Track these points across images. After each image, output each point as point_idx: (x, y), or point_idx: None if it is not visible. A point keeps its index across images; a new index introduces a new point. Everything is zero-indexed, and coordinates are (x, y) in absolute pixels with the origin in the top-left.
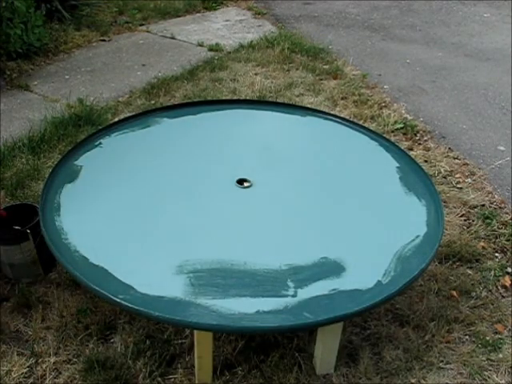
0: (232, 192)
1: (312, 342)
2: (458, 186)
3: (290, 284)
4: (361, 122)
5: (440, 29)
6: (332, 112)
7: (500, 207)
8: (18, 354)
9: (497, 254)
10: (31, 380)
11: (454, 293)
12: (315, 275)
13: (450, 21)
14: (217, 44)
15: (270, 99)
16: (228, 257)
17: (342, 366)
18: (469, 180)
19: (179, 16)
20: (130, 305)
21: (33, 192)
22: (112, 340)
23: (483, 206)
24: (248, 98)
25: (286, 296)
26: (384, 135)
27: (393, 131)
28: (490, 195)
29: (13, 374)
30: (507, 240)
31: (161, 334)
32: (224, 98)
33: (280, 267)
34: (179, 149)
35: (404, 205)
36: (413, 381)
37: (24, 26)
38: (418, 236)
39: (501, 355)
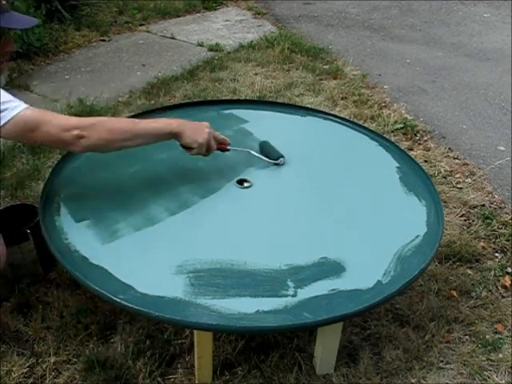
0: (232, 192)
1: (312, 342)
2: (458, 186)
3: (290, 284)
4: (361, 122)
5: (440, 29)
6: (332, 112)
7: (500, 207)
8: (17, 354)
9: (497, 254)
10: (31, 380)
11: (454, 293)
12: (315, 275)
13: (450, 21)
14: (217, 44)
15: (270, 99)
16: (228, 257)
17: (341, 366)
18: (469, 180)
19: (179, 16)
20: (130, 305)
21: (33, 192)
22: (112, 340)
23: (483, 206)
24: (248, 98)
25: (286, 296)
26: (384, 135)
27: (393, 131)
28: (490, 195)
29: (13, 374)
30: (507, 240)
31: (161, 334)
32: (224, 97)
33: (280, 267)
34: (179, 148)
35: (404, 205)
36: (413, 381)
37: None
38: (417, 236)
39: (501, 355)
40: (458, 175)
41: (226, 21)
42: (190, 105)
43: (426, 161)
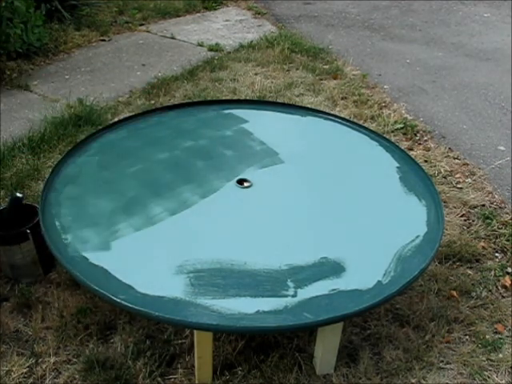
0: (232, 192)
1: (312, 342)
2: (458, 186)
3: (290, 284)
4: (361, 122)
5: (440, 29)
6: (332, 112)
7: (500, 207)
8: (17, 354)
9: (497, 254)
10: (31, 380)
11: (454, 293)
12: (315, 275)
13: (450, 21)
14: (217, 44)
15: (270, 99)
16: (228, 257)
17: (341, 366)
18: (469, 180)
19: (179, 16)
20: (129, 305)
21: (33, 192)
22: (112, 340)
23: (483, 206)
24: (248, 98)
25: (286, 296)
26: (384, 135)
27: (393, 131)
28: (490, 195)
29: (13, 374)
30: (507, 240)
31: (161, 334)
32: (224, 97)
33: (280, 267)
34: (179, 149)
35: (404, 205)
36: (413, 381)
37: (24, 26)
38: (418, 236)
39: (501, 355)
40: (458, 175)
41: (226, 21)
42: (190, 105)
43: (426, 161)
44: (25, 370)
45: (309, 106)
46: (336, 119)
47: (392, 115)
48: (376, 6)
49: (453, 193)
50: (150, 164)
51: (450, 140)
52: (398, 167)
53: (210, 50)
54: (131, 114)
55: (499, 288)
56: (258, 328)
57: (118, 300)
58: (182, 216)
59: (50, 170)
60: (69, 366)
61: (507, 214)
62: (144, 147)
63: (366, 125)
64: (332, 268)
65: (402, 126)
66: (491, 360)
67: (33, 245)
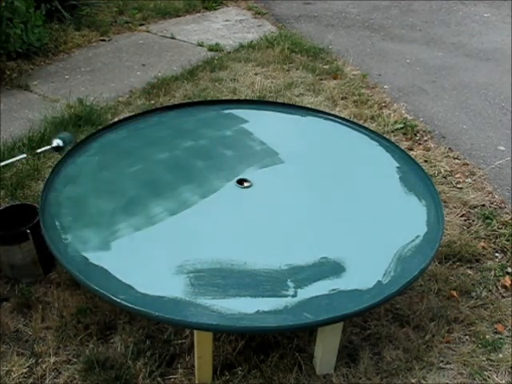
0: (232, 192)
1: (312, 342)
2: (458, 186)
3: (290, 284)
4: (361, 122)
5: (440, 29)
6: (332, 112)
7: (500, 207)
8: (17, 354)
9: (497, 254)
10: (31, 380)
11: (454, 293)
12: (315, 275)
13: (450, 21)
14: (217, 44)
15: (270, 99)
16: (228, 257)
17: (341, 366)
18: (469, 180)
19: (179, 16)
20: (129, 305)
21: (33, 192)
22: (112, 340)
23: (483, 206)
24: (248, 98)
25: (286, 296)
26: (384, 135)
27: (393, 131)
28: (490, 195)
29: (13, 374)
30: (507, 240)
31: (161, 334)
32: (224, 97)
33: (280, 267)
34: (179, 149)
35: (404, 205)
36: (413, 381)
37: (24, 26)
38: (418, 236)
39: (501, 355)
40: (458, 175)
41: (226, 21)
42: (190, 105)
43: (426, 161)
44: (25, 370)
45: (309, 105)
46: (336, 119)
47: (392, 115)
48: (376, 6)
49: (453, 193)
50: (150, 164)
51: (449, 140)
52: (397, 167)
53: (210, 50)
54: (131, 114)
55: (499, 288)
56: (258, 328)
57: (118, 300)
58: (181, 216)
59: (50, 170)
60: (69, 366)
61: (507, 213)
62: (144, 147)
63: (366, 125)
64: (332, 268)
65: (402, 126)
66: (491, 360)
67: (33, 245)
